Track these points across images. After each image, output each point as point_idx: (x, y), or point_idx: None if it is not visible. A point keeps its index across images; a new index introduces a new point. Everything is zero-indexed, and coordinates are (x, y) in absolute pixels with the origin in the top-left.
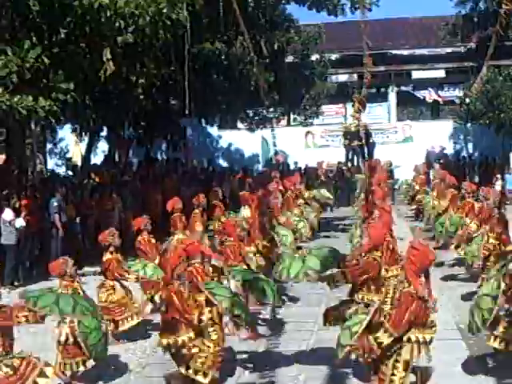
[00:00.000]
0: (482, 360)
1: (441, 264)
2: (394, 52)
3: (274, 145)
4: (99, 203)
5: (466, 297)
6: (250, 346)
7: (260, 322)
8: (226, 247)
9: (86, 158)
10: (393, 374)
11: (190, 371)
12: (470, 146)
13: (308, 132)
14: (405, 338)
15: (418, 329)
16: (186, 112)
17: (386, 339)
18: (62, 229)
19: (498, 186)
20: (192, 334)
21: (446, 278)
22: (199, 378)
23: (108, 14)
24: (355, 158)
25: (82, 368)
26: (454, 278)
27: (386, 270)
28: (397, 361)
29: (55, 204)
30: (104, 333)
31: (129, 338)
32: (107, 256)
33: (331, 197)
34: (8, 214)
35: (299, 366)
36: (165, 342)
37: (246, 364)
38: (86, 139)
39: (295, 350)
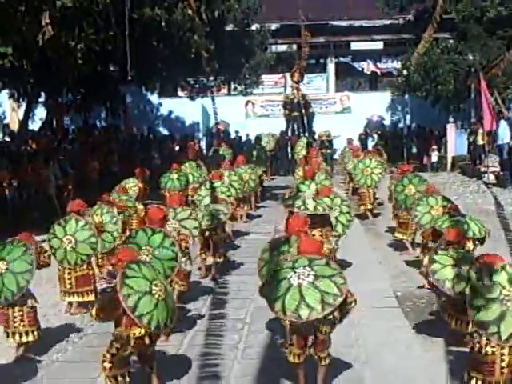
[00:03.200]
0: (419, 327)
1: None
2: (333, 23)
3: (215, 113)
4: (35, 170)
5: (403, 265)
6: (190, 313)
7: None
8: None
9: (23, 124)
10: None
11: None
12: (408, 117)
13: (248, 101)
14: None
15: None
16: (126, 78)
17: None
18: None
19: (434, 156)
20: None
21: (382, 247)
22: None
23: None
24: (295, 128)
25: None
26: (391, 246)
27: None
28: None
29: None
30: None
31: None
32: None
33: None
34: None
35: (238, 333)
36: None
37: (185, 332)
38: (24, 105)
39: (234, 318)
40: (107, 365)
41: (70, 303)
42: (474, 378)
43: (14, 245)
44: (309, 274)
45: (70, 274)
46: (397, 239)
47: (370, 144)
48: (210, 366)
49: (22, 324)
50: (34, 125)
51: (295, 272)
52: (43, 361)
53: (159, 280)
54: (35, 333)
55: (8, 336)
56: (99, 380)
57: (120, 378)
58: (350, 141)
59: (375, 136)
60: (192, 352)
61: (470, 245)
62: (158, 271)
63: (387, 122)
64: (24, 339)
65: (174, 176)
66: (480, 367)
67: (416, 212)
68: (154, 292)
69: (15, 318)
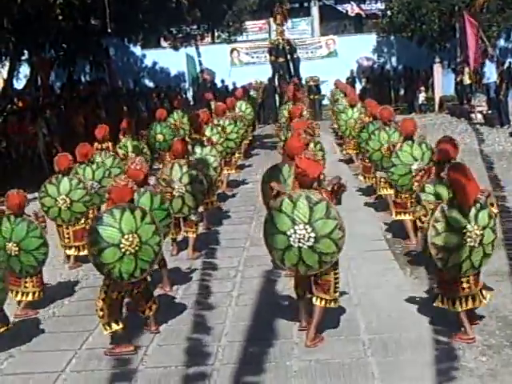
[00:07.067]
0: (409, 269)
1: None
2: None
3: (200, 63)
4: (23, 127)
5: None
6: (184, 263)
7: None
8: None
9: (8, 83)
10: None
11: None
12: (394, 58)
13: (233, 49)
14: None
15: None
16: (108, 31)
17: None
18: None
19: (421, 97)
20: None
21: (369, 192)
22: None
23: None
24: (282, 73)
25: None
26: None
27: None
28: None
29: None
30: None
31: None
32: None
33: None
34: None
35: (232, 281)
36: None
37: (180, 282)
38: (7, 64)
39: (227, 266)
40: (100, 313)
41: (68, 257)
42: (440, 296)
43: (12, 222)
44: (309, 238)
45: (67, 228)
46: None
47: (358, 88)
48: (205, 314)
49: (31, 285)
50: (20, 83)
51: (295, 232)
52: (40, 316)
53: (136, 234)
54: (41, 293)
55: (13, 293)
56: (96, 332)
57: (113, 324)
58: (337, 83)
59: (363, 80)
60: (187, 300)
61: None
62: (149, 221)
63: (374, 65)
64: (29, 298)
65: (160, 138)
66: (443, 284)
67: (368, 147)
68: (121, 246)
69: (26, 282)
